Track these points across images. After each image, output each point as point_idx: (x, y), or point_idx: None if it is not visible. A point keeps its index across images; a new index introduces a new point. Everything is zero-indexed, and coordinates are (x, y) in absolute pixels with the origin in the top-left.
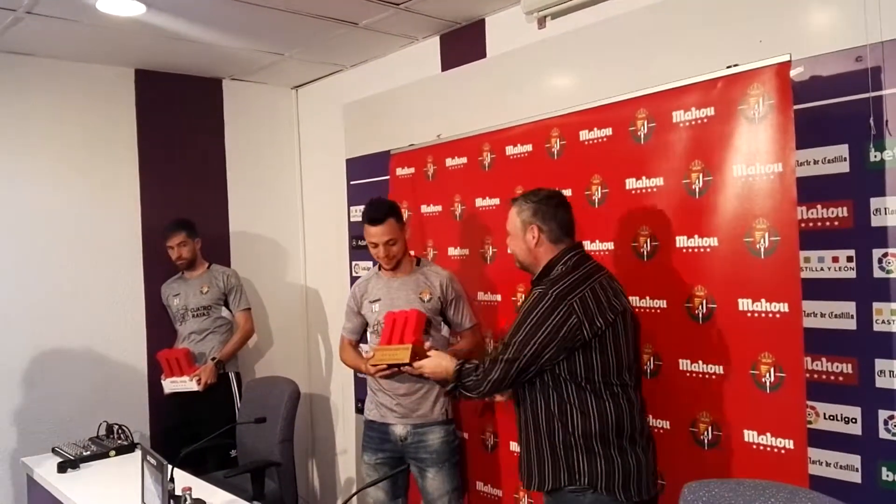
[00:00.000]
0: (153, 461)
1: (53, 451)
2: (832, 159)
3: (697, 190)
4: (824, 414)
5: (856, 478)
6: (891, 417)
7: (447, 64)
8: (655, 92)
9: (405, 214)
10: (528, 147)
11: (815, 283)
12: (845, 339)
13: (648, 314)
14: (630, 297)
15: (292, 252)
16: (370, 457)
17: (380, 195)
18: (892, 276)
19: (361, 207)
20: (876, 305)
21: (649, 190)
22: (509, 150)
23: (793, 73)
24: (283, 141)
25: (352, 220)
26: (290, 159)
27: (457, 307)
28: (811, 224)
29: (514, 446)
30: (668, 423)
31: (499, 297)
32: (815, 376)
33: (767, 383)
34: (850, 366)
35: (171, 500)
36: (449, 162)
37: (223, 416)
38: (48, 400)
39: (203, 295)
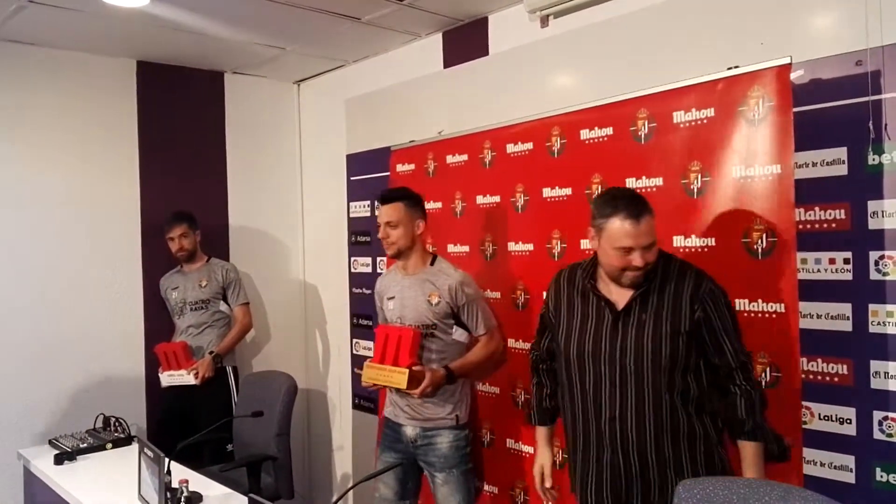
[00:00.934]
0: (150, 453)
1: (50, 443)
2: (831, 162)
3: (696, 190)
4: (819, 414)
5: (850, 478)
6: (885, 418)
7: (449, 61)
8: (656, 92)
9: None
10: (529, 145)
11: (812, 285)
12: (841, 340)
13: None
14: None
15: (291, 247)
16: (385, 455)
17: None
18: (888, 278)
19: (361, 203)
20: (872, 307)
21: (649, 189)
22: (510, 147)
23: (793, 75)
24: (284, 135)
25: (352, 215)
26: (291, 154)
27: (469, 312)
28: (809, 226)
29: (511, 443)
30: None
31: (498, 295)
32: (811, 377)
33: (763, 383)
34: (845, 367)
35: (168, 493)
36: (450, 159)
37: (220, 410)
38: (45, 392)
39: (202, 289)
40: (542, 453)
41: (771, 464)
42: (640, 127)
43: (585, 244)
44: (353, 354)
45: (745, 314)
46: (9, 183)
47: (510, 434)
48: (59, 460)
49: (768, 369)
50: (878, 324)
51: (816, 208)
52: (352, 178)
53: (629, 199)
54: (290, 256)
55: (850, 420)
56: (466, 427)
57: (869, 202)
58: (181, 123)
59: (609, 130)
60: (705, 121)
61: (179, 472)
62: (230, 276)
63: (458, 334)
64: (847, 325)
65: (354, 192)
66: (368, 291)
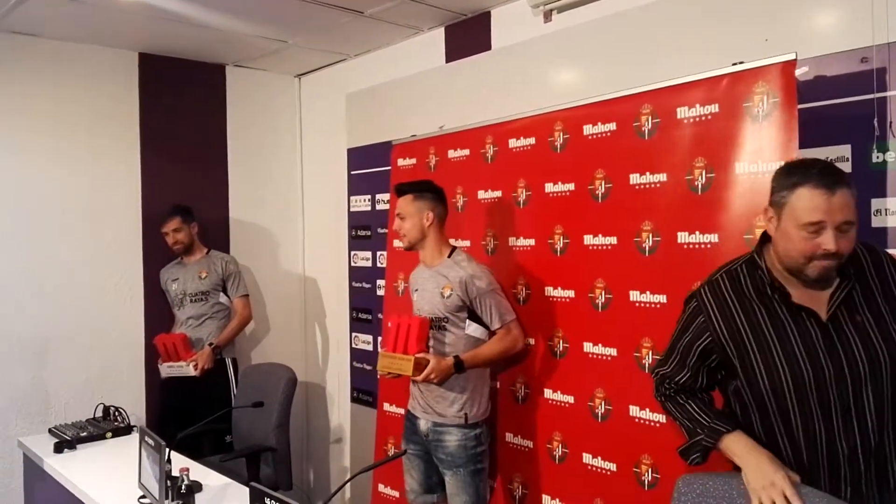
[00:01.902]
0: (151, 442)
1: (50, 431)
2: (835, 159)
3: (700, 186)
4: None
5: None
6: None
7: (451, 55)
8: (660, 88)
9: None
10: (532, 140)
11: None
12: None
13: (649, 309)
14: (631, 292)
15: (291, 240)
16: (405, 445)
17: (382, 186)
18: None
19: (362, 197)
20: None
21: (652, 185)
22: (512, 142)
23: (797, 72)
24: (285, 129)
25: (352, 209)
26: (292, 147)
27: (482, 306)
28: None
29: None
30: (663, 417)
31: None
32: None
33: None
34: None
35: (169, 481)
36: (451, 153)
37: (219, 401)
38: (45, 381)
39: (201, 280)
40: (768, 458)
41: None
42: (644, 122)
43: (589, 239)
44: (352, 348)
45: None
46: (10, 173)
47: (510, 428)
48: (59, 449)
49: None
50: None
51: None
52: (353, 173)
53: (822, 166)
54: (290, 250)
55: None
56: (477, 427)
57: (872, 200)
58: (182, 116)
59: (612, 126)
60: (709, 117)
61: (179, 462)
62: (230, 268)
63: (473, 329)
64: None
65: (355, 186)
66: (368, 285)
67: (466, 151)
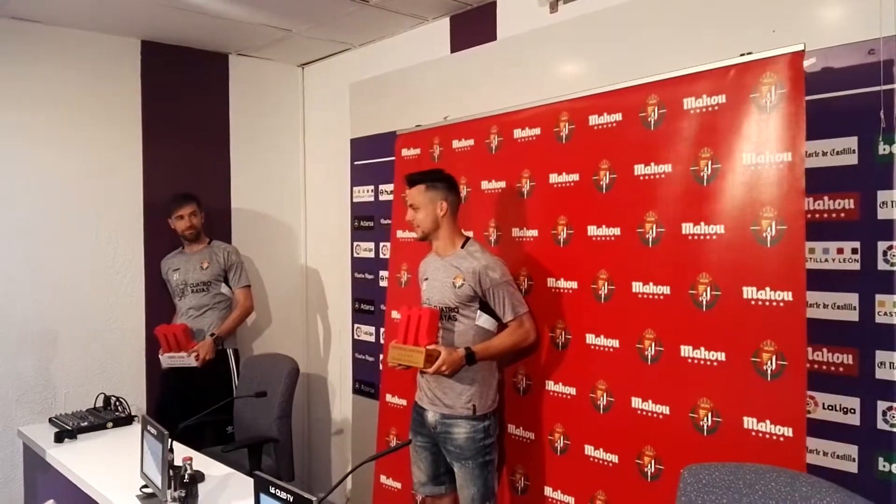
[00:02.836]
0: (154, 431)
1: (51, 421)
2: (841, 151)
3: (706, 177)
4: (823, 404)
5: (852, 467)
6: (889, 408)
7: (456, 46)
8: (667, 78)
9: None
10: (537, 130)
11: (819, 274)
12: (847, 330)
13: (652, 300)
14: (633, 283)
15: (293, 230)
16: (412, 437)
17: (385, 176)
18: None
19: (365, 188)
20: (879, 297)
21: (657, 176)
22: (517, 133)
23: (805, 63)
24: (288, 118)
25: (355, 200)
26: (294, 137)
27: (495, 298)
28: (817, 215)
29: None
30: (667, 408)
31: None
32: (816, 366)
33: (768, 371)
34: (850, 357)
35: (171, 471)
36: (455, 144)
37: (220, 392)
38: (46, 370)
39: (203, 270)
40: None
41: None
42: (650, 113)
43: (592, 230)
44: (354, 339)
45: (753, 302)
46: (11, 160)
47: (511, 420)
48: (59, 438)
49: (774, 358)
50: (885, 314)
51: (825, 197)
52: (356, 163)
53: None
54: (291, 240)
55: (854, 410)
56: (486, 419)
57: (878, 192)
58: (185, 104)
59: (618, 116)
60: (716, 107)
61: (182, 452)
62: (232, 259)
63: (484, 321)
64: (853, 315)
65: (358, 177)
66: (371, 276)
67: (471, 142)
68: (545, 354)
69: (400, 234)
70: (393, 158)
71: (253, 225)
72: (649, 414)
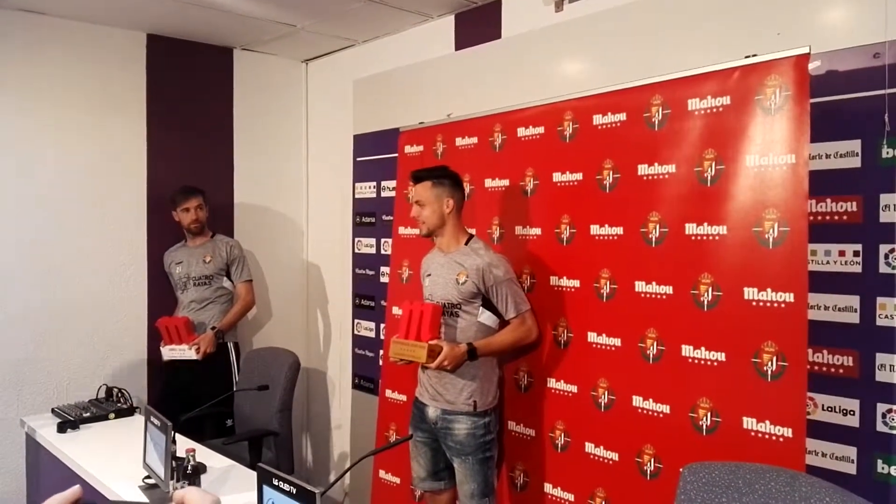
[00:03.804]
0: (157, 422)
1: (53, 411)
2: (844, 154)
3: (709, 178)
4: (823, 405)
5: (851, 469)
6: (889, 411)
7: (461, 43)
8: (672, 79)
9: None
10: (541, 129)
11: (821, 276)
12: (848, 332)
13: (654, 300)
14: (636, 283)
15: (296, 226)
16: (412, 432)
17: (387, 173)
18: None
19: (367, 184)
20: (880, 300)
21: (661, 176)
22: (521, 131)
23: (810, 66)
24: (292, 114)
25: (357, 196)
26: (298, 132)
27: (498, 295)
28: (820, 217)
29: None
30: (667, 407)
31: None
32: (816, 368)
33: (769, 372)
34: (851, 359)
35: (174, 462)
36: (459, 141)
37: (221, 385)
38: (48, 361)
39: (206, 264)
40: None
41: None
42: (655, 113)
43: (595, 229)
44: (354, 335)
45: (754, 303)
46: (16, 153)
47: (512, 417)
48: (62, 428)
49: (775, 359)
50: (886, 317)
51: (828, 200)
52: (358, 159)
53: None
54: (293, 235)
55: (854, 412)
56: (486, 415)
57: (881, 195)
58: (189, 98)
59: (622, 116)
60: (721, 109)
61: (184, 443)
62: (234, 253)
63: (486, 317)
64: (854, 318)
65: (360, 173)
66: (371, 272)
67: (474, 139)
68: (547, 352)
69: (402, 230)
70: (396, 155)
71: (255, 219)
72: (650, 413)
